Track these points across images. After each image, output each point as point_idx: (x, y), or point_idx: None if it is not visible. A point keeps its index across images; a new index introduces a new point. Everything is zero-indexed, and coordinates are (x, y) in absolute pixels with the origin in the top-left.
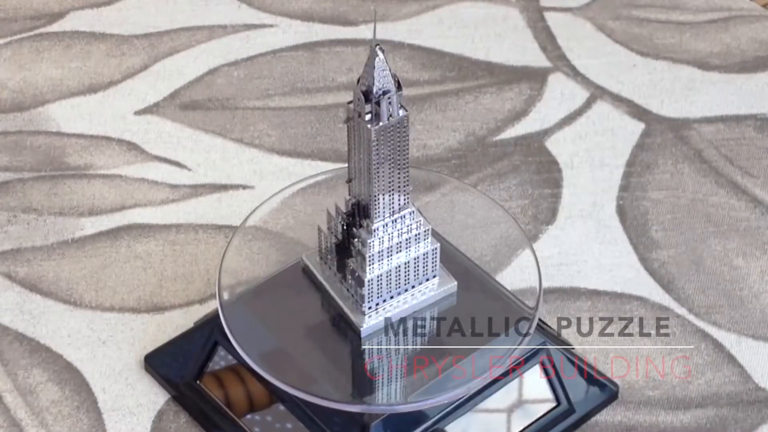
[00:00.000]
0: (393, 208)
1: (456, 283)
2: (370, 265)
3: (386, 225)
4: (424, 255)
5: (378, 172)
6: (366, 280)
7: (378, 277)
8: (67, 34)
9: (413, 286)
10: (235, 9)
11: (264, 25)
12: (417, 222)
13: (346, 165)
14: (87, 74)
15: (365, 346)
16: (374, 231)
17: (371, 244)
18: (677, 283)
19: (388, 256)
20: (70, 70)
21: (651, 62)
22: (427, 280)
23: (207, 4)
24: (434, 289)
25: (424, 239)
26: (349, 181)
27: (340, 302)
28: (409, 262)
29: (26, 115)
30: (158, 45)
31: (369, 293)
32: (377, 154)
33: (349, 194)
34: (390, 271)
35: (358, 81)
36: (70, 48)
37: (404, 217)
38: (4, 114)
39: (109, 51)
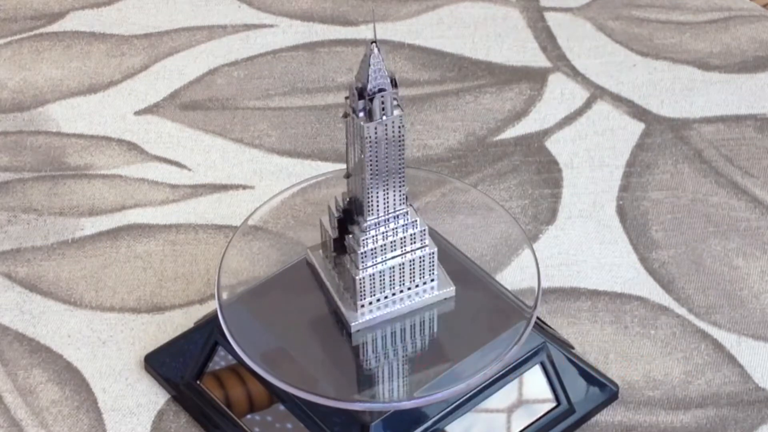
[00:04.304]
0: (387, 207)
1: (454, 287)
2: (362, 262)
3: (379, 223)
4: (420, 257)
5: (372, 170)
6: (357, 278)
7: (371, 275)
8: (67, 34)
9: (409, 288)
10: (235, 9)
11: (264, 25)
12: (412, 222)
13: (346, 164)
14: (87, 74)
15: (358, 342)
16: (367, 228)
17: (364, 242)
18: (677, 283)
19: (382, 255)
20: (70, 70)
21: (651, 62)
22: (425, 283)
23: (207, 4)
24: (431, 293)
25: (420, 240)
26: (348, 176)
27: (336, 298)
28: (404, 264)
29: (26, 115)
30: (158, 45)
31: (361, 291)
32: (371, 150)
33: (347, 190)
34: (384, 270)
35: (357, 78)
36: (70, 48)
37: (398, 217)
38: (4, 114)
39: (109, 51)
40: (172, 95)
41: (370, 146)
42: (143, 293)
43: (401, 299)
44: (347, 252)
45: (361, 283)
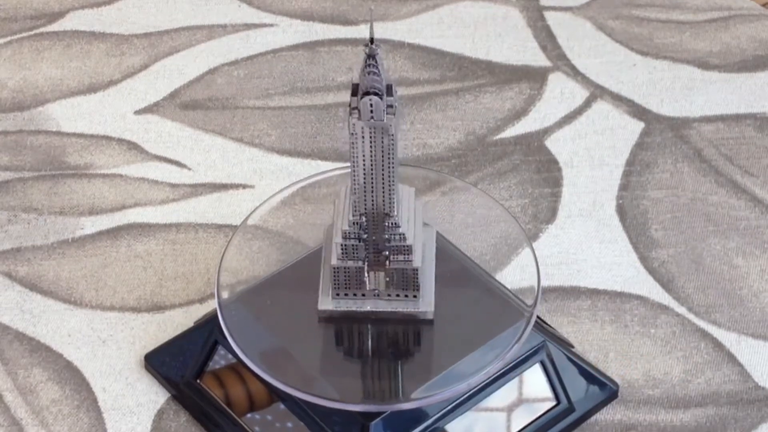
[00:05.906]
0: (398, 192)
1: (433, 228)
2: (414, 252)
3: (401, 211)
4: (419, 216)
5: (395, 165)
6: (419, 267)
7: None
8: (67, 34)
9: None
10: (235, 9)
11: (264, 25)
12: (408, 192)
13: (346, 165)
14: (87, 74)
15: (441, 326)
16: (401, 222)
17: (408, 234)
18: (677, 282)
19: (416, 236)
20: (70, 70)
21: (651, 62)
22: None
23: (207, 3)
24: (430, 242)
25: (415, 201)
26: (354, 194)
27: (389, 309)
28: (418, 229)
29: (26, 114)
30: (158, 45)
31: (420, 278)
32: (395, 145)
33: (354, 210)
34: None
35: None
36: (70, 48)
37: (403, 197)
38: (4, 114)
39: (109, 51)
40: (172, 95)
41: (394, 142)
42: (143, 292)
43: (427, 265)
44: (388, 260)
45: (420, 273)
